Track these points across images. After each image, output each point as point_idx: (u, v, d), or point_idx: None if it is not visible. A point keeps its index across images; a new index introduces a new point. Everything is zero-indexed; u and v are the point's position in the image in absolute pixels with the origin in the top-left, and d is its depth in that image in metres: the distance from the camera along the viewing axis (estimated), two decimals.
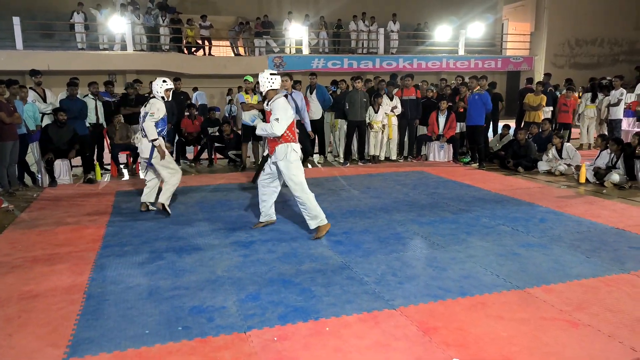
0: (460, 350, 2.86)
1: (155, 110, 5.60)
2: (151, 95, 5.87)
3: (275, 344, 2.92)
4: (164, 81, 5.78)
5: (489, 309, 3.36)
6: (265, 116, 5.13)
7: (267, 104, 4.89)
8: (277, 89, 4.92)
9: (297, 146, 4.89)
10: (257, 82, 9.20)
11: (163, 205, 5.73)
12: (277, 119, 4.68)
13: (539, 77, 15.39)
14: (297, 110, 7.61)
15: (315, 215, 4.86)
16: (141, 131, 5.73)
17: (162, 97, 5.75)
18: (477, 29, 19.95)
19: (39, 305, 3.44)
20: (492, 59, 19.90)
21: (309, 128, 8.04)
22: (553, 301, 3.46)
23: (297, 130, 5.24)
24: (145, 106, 5.71)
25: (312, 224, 4.90)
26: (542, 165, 8.37)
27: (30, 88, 8.21)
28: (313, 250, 4.54)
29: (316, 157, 10.01)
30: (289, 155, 4.80)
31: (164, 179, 5.79)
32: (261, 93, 8.02)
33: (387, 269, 4.07)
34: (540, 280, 3.83)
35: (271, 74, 4.88)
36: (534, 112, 10.27)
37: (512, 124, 11.55)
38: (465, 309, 3.36)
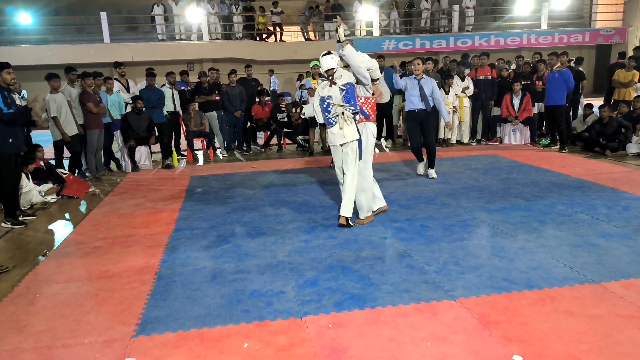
0: (522, 346, 2.72)
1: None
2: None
3: (330, 331, 2.94)
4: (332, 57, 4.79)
5: (558, 304, 3.16)
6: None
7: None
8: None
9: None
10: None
11: None
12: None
13: None
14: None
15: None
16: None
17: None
18: (562, 0, 18.47)
19: (114, 284, 3.71)
20: (579, 32, 18.40)
21: None
22: (632, 297, 3.19)
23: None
24: (324, 89, 4.79)
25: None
26: (632, 148, 7.69)
27: (116, 79, 8.81)
28: (374, 237, 4.50)
29: (384, 142, 9.86)
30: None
31: None
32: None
33: (450, 257, 3.95)
34: (619, 274, 3.54)
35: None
36: (624, 89, 9.41)
37: (599, 102, 10.69)
38: (531, 303, 3.18)
